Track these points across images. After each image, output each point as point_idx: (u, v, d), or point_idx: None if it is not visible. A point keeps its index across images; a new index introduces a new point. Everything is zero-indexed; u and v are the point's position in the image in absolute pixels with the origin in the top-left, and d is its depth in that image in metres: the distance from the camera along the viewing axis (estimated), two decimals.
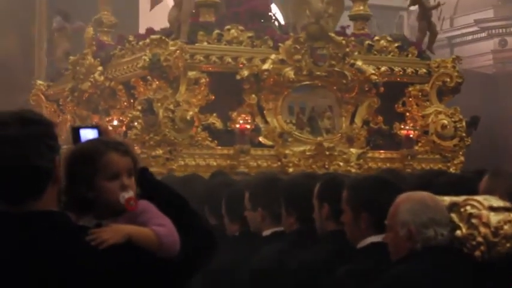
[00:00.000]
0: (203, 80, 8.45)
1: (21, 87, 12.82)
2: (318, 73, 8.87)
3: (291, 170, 8.44)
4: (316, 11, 8.69)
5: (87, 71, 9.54)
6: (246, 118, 8.44)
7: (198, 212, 2.73)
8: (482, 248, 3.27)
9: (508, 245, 3.28)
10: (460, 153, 9.55)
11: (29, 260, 2.30)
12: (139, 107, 8.26)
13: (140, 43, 8.78)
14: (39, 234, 2.34)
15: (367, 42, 9.49)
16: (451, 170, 9.14)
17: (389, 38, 9.69)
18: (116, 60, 9.36)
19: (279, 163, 8.60)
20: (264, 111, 8.79)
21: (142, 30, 10.40)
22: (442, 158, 9.49)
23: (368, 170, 8.70)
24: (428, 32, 9.96)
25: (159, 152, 8.17)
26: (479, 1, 17.18)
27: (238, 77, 8.55)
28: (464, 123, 9.50)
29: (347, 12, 9.97)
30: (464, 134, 9.51)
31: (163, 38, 8.37)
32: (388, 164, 8.99)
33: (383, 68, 9.32)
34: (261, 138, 8.69)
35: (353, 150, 8.92)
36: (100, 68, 9.41)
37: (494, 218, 3.26)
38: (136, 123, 8.28)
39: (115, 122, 8.77)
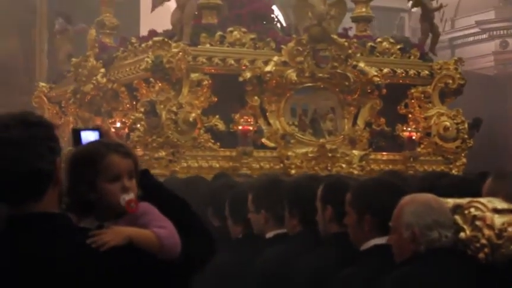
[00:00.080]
0: (206, 82, 8.46)
1: (22, 89, 12.83)
2: (320, 75, 8.88)
3: (293, 171, 8.45)
4: (319, 13, 8.69)
5: (90, 73, 9.55)
6: (249, 120, 8.45)
7: (199, 214, 2.73)
8: (486, 250, 3.27)
9: None
10: (462, 155, 9.55)
11: (29, 262, 2.31)
12: (142, 109, 8.26)
13: (143, 45, 8.80)
14: (40, 236, 2.34)
15: (369, 44, 9.50)
16: (453, 171, 9.14)
17: (391, 40, 9.70)
18: (118, 62, 9.37)
19: (282, 165, 8.61)
20: (267, 113, 8.80)
21: (143, 32, 10.40)
22: (444, 160, 9.50)
23: (370, 172, 8.71)
24: (431, 34, 9.97)
25: (162, 154, 8.18)
26: (481, 2, 17.15)
27: (240, 79, 8.56)
28: (466, 125, 9.51)
29: (349, 14, 9.96)
30: (466, 136, 9.51)
31: (166, 40, 8.37)
32: (390, 166, 9.00)
33: (385, 70, 9.33)
34: (263, 140, 8.70)
35: (355, 152, 8.93)
36: (102, 70, 9.42)
37: (498, 220, 3.25)
38: (139, 125, 8.29)
39: (118, 124, 8.77)
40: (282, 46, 8.79)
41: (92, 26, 10.33)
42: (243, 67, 8.61)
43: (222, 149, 8.48)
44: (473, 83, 10.57)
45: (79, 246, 2.34)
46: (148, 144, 8.22)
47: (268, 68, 8.61)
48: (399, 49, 9.62)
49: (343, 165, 8.71)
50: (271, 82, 8.65)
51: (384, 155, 9.29)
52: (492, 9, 17.22)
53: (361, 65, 9.08)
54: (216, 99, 8.55)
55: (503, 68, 16.99)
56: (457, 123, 9.47)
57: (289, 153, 8.65)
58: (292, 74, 8.71)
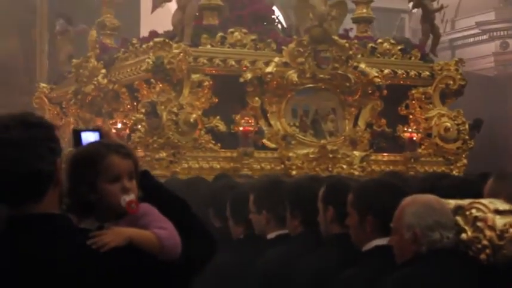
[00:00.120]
0: (206, 83, 8.46)
1: (22, 89, 12.83)
2: (321, 76, 8.88)
3: (294, 172, 8.45)
4: (320, 14, 8.70)
5: (91, 74, 9.55)
6: (250, 121, 8.45)
7: (199, 215, 2.73)
8: (487, 251, 3.27)
9: None
10: (463, 156, 9.55)
11: (29, 263, 2.31)
12: (143, 110, 8.27)
13: (144, 46, 8.79)
14: (40, 237, 2.34)
15: (370, 45, 9.50)
16: (454, 172, 9.15)
17: (392, 41, 9.70)
18: (119, 63, 9.37)
19: (283, 166, 8.61)
20: (268, 114, 8.80)
21: (143, 33, 10.41)
22: (445, 161, 9.50)
23: (371, 173, 8.71)
24: (432, 35, 9.97)
25: (163, 154, 8.18)
26: (481, 3, 17.15)
27: (241, 80, 8.56)
28: (467, 126, 9.51)
29: (350, 15, 9.96)
30: (467, 137, 9.52)
31: (167, 40, 8.37)
32: (391, 167, 9.00)
33: (386, 71, 9.33)
34: (264, 141, 8.70)
35: (356, 153, 8.93)
36: (103, 71, 9.43)
37: (499, 221, 3.25)
38: (139, 126, 8.29)
39: (118, 125, 8.78)
40: (283, 47, 8.79)
41: (93, 27, 10.33)
42: (244, 68, 8.61)
43: (223, 150, 8.49)
44: (473, 83, 10.57)
45: (79, 247, 2.34)
46: (149, 145, 8.22)
47: (269, 69, 8.61)
48: (400, 50, 9.62)
49: (344, 166, 8.71)
50: (272, 83, 8.65)
51: (385, 156, 9.29)
52: (492, 10, 17.22)
53: (362, 66, 9.09)
54: (216, 100, 8.55)
55: (503, 69, 16.98)
56: (457, 124, 9.47)
57: (290, 154, 8.65)
58: (293, 75, 8.71)
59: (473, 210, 3.34)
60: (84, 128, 2.78)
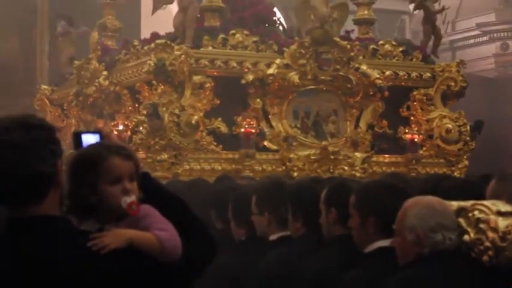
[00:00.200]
0: (208, 85, 8.46)
1: (22, 91, 12.83)
2: (323, 77, 8.88)
3: (295, 174, 8.45)
4: (321, 16, 8.70)
5: (92, 76, 9.55)
6: (251, 122, 8.46)
7: (201, 217, 2.72)
8: (490, 252, 3.27)
9: None
10: (464, 157, 9.56)
11: (30, 265, 2.31)
12: (145, 112, 8.27)
13: (145, 48, 8.80)
14: (41, 239, 2.34)
15: (371, 46, 9.50)
16: (455, 174, 9.15)
17: (393, 42, 9.70)
18: (120, 64, 9.37)
19: (284, 167, 8.61)
20: (269, 116, 8.81)
21: (144, 35, 10.41)
22: (446, 162, 9.50)
23: (373, 174, 8.71)
24: (433, 36, 9.97)
25: (164, 156, 8.19)
26: (481, 5, 17.16)
27: (243, 82, 8.56)
28: (468, 128, 9.51)
29: (351, 16, 9.97)
30: (468, 138, 9.52)
31: (169, 42, 8.38)
32: (392, 168, 9.00)
33: (387, 72, 9.33)
34: (265, 143, 8.70)
35: (358, 154, 8.93)
36: (105, 73, 9.43)
37: (502, 223, 3.25)
38: (141, 128, 8.29)
39: (120, 127, 8.78)
40: (285, 49, 8.80)
41: (94, 28, 10.34)
42: (246, 70, 8.62)
43: (225, 152, 8.49)
44: (474, 85, 10.58)
45: (80, 249, 2.34)
46: (151, 146, 8.22)
47: (270, 71, 8.61)
48: (401, 51, 9.63)
49: (346, 168, 8.71)
50: (273, 85, 8.65)
51: (386, 158, 9.29)
52: (493, 11, 17.24)
53: (364, 67, 9.09)
54: (218, 101, 8.55)
55: (503, 70, 17.01)
56: (459, 126, 9.47)
57: (292, 156, 8.65)
58: (294, 77, 8.72)
59: (476, 212, 3.34)
60: (85, 130, 2.78)
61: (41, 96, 11.04)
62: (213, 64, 8.54)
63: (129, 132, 8.69)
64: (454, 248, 3.34)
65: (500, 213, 3.29)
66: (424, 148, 9.45)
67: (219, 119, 8.54)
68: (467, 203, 3.40)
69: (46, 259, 2.31)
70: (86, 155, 2.57)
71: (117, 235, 2.40)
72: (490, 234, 3.27)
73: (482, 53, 17.21)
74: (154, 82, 8.43)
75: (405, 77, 9.48)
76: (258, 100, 8.70)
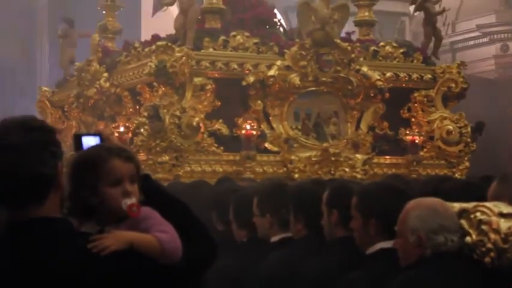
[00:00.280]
0: (209, 86, 8.47)
1: (22, 91, 12.85)
2: (324, 79, 8.88)
3: (296, 175, 8.45)
4: (322, 17, 8.70)
5: (93, 78, 9.56)
6: (252, 124, 8.46)
7: (202, 219, 2.72)
8: (492, 254, 3.26)
9: None
10: (465, 158, 9.56)
11: (30, 266, 2.30)
12: (146, 114, 8.28)
13: (146, 49, 8.80)
14: (41, 240, 2.34)
15: (372, 48, 9.50)
16: (456, 175, 9.15)
17: (394, 44, 9.71)
18: (121, 66, 9.38)
19: (285, 169, 8.62)
20: (270, 117, 8.81)
21: (144, 36, 10.41)
22: (447, 164, 9.51)
23: (373, 176, 8.71)
24: (434, 38, 9.97)
25: (165, 158, 8.19)
26: (481, 6, 17.16)
27: (244, 83, 8.57)
28: (469, 129, 9.51)
29: (352, 18, 9.97)
30: (469, 140, 9.52)
31: (169, 44, 8.38)
32: (393, 170, 9.00)
33: (388, 74, 9.34)
34: (266, 144, 8.71)
35: (358, 156, 8.93)
36: (105, 75, 9.44)
37: (504, 225, 3.25)
38: (142, 130, 8.29)
39: (121, 129, 8.79)
40: (285, 50, 8.80)
41: (95, 30, 10.34)
42: (246, 71, 8.62)
43: (226, 153, 8.49)
44: (474, 86, 10.58)
45: (80, 251, 2.34)
46: (152, 148, 8.23)
47: (271, 72, 8.62)
48: (402, 53, 9.63)
49: (347, 169, 8.72)
50: (274, 86, 8.66)
51: (387, 159, 9.30)
52: (493, 12, 17.23)
53: (364, 69, 9.09)
54: (219, 103, 8.56)
55: (503, 72, 17.00)
56: (460, 127, 9.48)
57: (293, 158, 8.65)
58: (295, 78, 8.72)
59: (478, 214, 3.33)
60: (85, 133, 2.79)
61: (41, 98, 11.04)
62: (213, 66, 8.55)
63: (130, 134, 8.70)
64: (456, 250, 3.33)
65: (502, 215, 3.28)
66: (425, 149, 9.45)
67: (220, 120, 8.55)
68: (469, 205, 3.40)
69: (46, 261, 2.31)
70: (87, 157, 2.57)
71: (117, 237, 2.40)
72: (492, 235, 3.26)
73: (482, 55, 17.20)
74: (155, 84, 8.44)
75: (406, 78, 9.48)
76: (259, 102, 8.70)
